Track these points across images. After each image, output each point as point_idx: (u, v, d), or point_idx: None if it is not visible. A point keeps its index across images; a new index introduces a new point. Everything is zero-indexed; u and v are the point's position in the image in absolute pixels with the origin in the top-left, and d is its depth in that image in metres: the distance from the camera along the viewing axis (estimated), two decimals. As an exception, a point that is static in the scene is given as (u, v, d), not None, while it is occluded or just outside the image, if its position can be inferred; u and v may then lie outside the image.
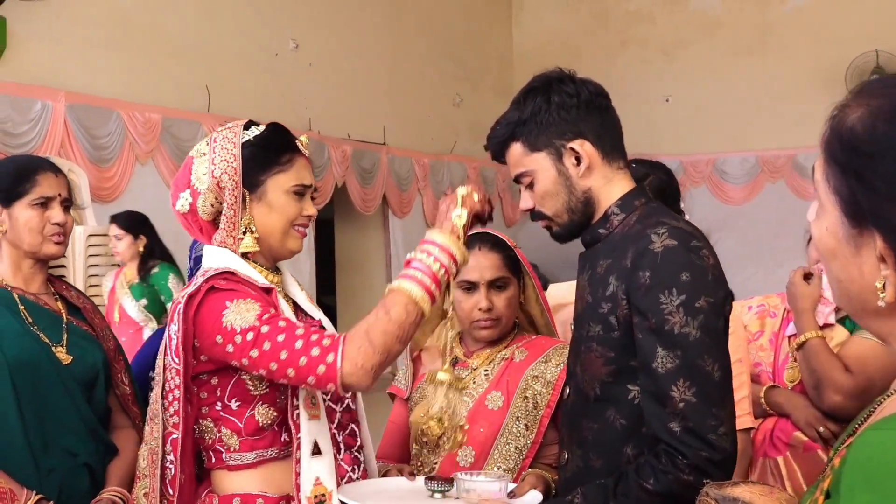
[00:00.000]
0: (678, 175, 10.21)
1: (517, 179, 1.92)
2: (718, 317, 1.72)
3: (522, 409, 2.24)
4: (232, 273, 1.88)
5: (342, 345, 1.75)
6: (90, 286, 4.62)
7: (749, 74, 9.33)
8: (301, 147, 1.99)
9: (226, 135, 1.95)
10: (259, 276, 1.93)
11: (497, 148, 1.92)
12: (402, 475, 2.10)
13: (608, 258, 1.82)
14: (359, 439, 2.05)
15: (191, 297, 1.84)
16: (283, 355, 1.76)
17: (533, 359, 2.31)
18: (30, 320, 2.24)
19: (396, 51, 8.30)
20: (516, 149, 1.88)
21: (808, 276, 2.57)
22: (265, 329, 1.78)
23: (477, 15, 9.67)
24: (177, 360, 1.84)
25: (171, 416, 1.86)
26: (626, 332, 1.74)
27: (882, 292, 0.96)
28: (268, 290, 1.90)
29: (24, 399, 2.15)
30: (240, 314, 1.80)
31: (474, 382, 2.31)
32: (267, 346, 1.77)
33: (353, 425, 2.03)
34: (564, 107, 1.84)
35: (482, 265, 2.31)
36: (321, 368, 1.74)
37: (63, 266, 4.56)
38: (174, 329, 1.85)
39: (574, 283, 2.91)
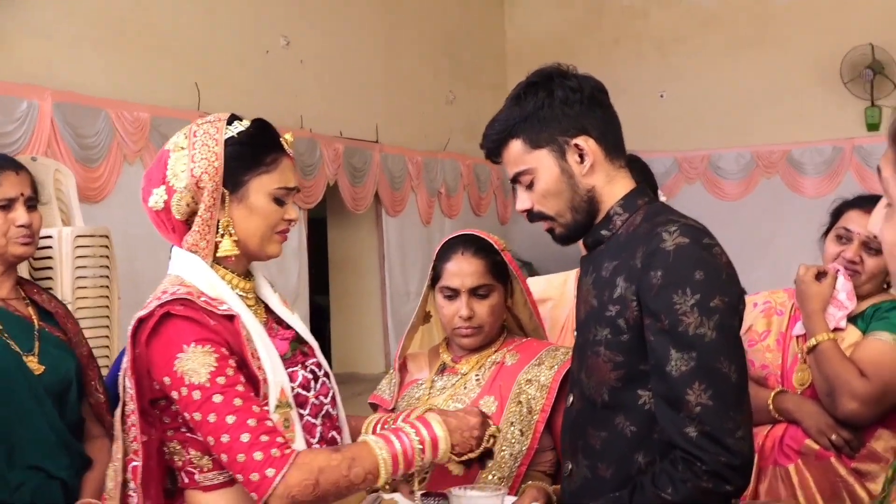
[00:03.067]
0: (672, 172, 10.18)
1: (515, 179, 1.84)
2: (734, 316, 1.66)
3: (517, 414, 2.16)
4: (189, 301, 1.74)
5: (289, 466, 1.64)
6: (78, 287, 4.52)
7: (744, 69, 9.27)
8: (286, 146, 1.90)
9: (207, 129, 1.84)
10: (226, 292, 1.80)
11: (494, 146, 1.84)
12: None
13: (614, 259, 1.75)
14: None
15: (142, 320, 1.73)
16: (225, 438, 1.65)
17: (525, 362, 2.23)
18: (0, 328, 2.16)
19: (389, 48, 8.22)
20: (516, 146, 1.80)
21: (820, 275, 2.46)
22: (217, 399, 1.66)
23: (470, 11, 9.60)
24: (129, 384, 1.74)
25: (131, 441, 1.76)
26: (635, 335, 1.68)
27: None
28: (230, 318, 1.76)
29: None
30: (193, 365, 1.68)
31: (465, 388, 2.22)
32: (212, 418, 1.66)
33: (335, 432, 1.91)
34: (568, 102, 1.77)
35: (464, 272, 2.24)
36: (254, 476, 1.63)
37: (49, 268, 4.47)
38: (126, 351, 1.74)
39: (550, 277, 2.86)
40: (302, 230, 7.14)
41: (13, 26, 4.89)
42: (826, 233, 2.56)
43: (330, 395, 1.92)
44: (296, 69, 7.07)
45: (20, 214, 2.20)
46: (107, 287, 4.80)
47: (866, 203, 2.50)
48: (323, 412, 1.89)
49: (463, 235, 2.31)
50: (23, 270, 4.34)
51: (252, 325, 1.80)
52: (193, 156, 1.80)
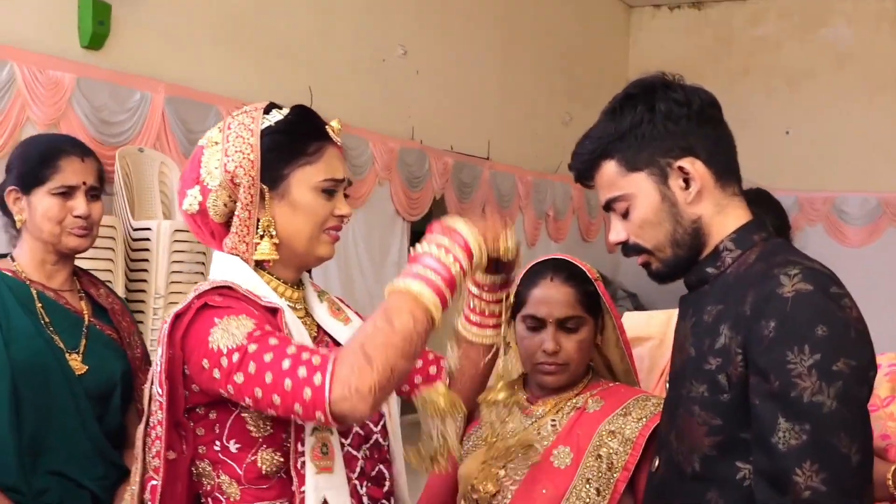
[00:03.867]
0: (793, 212, 9.77)
1: (608, 206, 1.60)
2: (861, 384, 1.39)
3: (595, 469, 1.89)
4: (230, 288, 1.59)
5: (332, 362, 1.42)
6: (172, 282, 4.49)
7: (876, 111, 8.85)
8: (332, 134, 1.71)
9: (242, 120, 1.67)
10: (268, 292, 1.64)
11: (584, 167, 1.62)
12: None
13: (719, 303, 1.49)
14: (387, 483, 1.72)
15: (179, 315, 1.57)
16: (269, 378, 1.44)
17: (610, 411, 1.97)
18: (46, 320, 2.03)
19: (506, 63, 8.08)
20: (609, 168, 1.58)
21: None
22: (252, 348, 1.47)
23: (593, 32, 9.40)
24: (160, 391, 1.55)
25: (152, 457, 1.58)
26: (738, 396, 1.42)
27: None
28: (273, 311, 1.60)
29: (25, 410, 1.92)
30: (228, 332, 1.50)
31: (538, 433, 1.97)
32: (252, 367, 1.46)
33: (382, 466, 1.71)
34: (672, 117, 1.53)
35: (552, 300, 1.99)
36: (307, 392, 1.42)
37: (146, 260, 4.45)
38: (159, 354, 1.57)
39: (652, 313, 2.58)
40: (404, 242, 7.04)
41: (132, 19, 4.92)
42: None
43: (381, 423, 1.73)
44: (411, 79, 6.98)
45: (79, 204, 2.10)
46: (202, 283, 4.76)
47: None
48: (370, 442, 1.71)
49: (552, 259, 2.08)
50: (119, 261, 4.35)
51: (298, 330, 1.63)
52: (227, 150, 1.64)
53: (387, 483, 1.72)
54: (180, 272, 4.60)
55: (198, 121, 5.29)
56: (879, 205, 9.02)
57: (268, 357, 1.47)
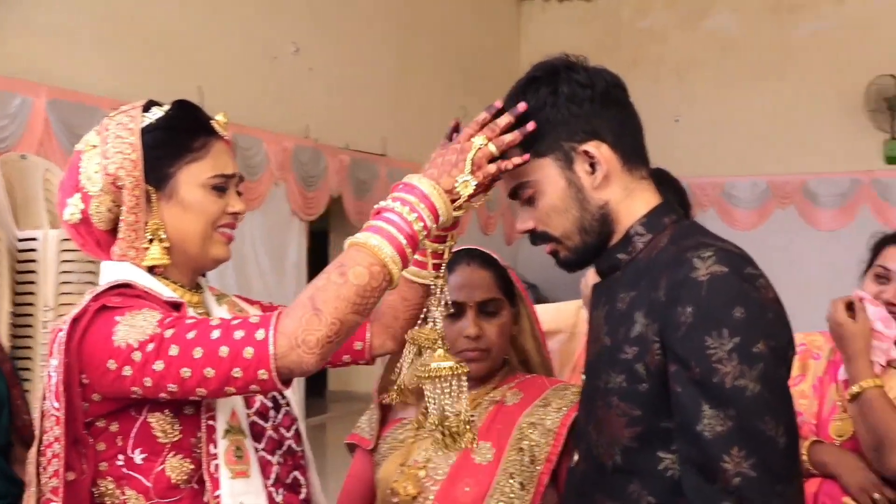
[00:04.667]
0: (686, 198, 9.84)
1: (514, 193, 1.55)
2: (781, 365, 1.36)
3: (517, 463, 1.85)
4: (129, 286, 1.50)
5: (276, 316, 1.36)
6: (62, 294, 4.31)
7: (762, 97, 9.09)
8: (218, 128, 1.64)
9: (120, 120, 1.58)
10: (168, 291, 1.56)
11: None
12: None
13: (632, 289, 1.45)
14: (304, 490, 1.66)
15: (75, 320, 1.47)
16: (198, 353, 1.37)
17: (529, 402, 1.93)
18: None
19: (400, 60, 8.04)
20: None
21: (848, 308, 2.21)
22: (169, 332, 1.40)
23: (485, 26, 9.44)
24: (57, 404, 1.45)
25: (49, 478, 1.46)
26: (657, 385, 1.37)
27: None
28: (176, 306, 1.52)
29: None
30: (135, 327, 1.41)
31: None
32: (175, 350, 1.38)
33: (297, 472, 1.65)
34: (575, 100, 1.48)
35: (471, 283, 1.94)
36: (248, 351, 1.34)
37: (33, 272, 4.26)
38: (54, 364, 1.46)
39: (560, 305, 2.56)
40: (302, 243, 6.94)
41: (11, 19, 4.72)
42: (867, 270, 2.33)
43: (294, 428, 1.67)
44: (304, 77, 6.88)
45: None
46: (94, 294, 4.60)
47: None
48: (283, 448, 1.64)
49: (464, 249, 2.05)
50: (4, 273, 4.15)
51: None
52: (106, 152, 1.56)
53: (303, 490, 1.65)
54: (70, 282, 4.41)
55: (83, 125, 5.10)
56: (768, 188, 9.26)
57: (191, 335, 1.39)
